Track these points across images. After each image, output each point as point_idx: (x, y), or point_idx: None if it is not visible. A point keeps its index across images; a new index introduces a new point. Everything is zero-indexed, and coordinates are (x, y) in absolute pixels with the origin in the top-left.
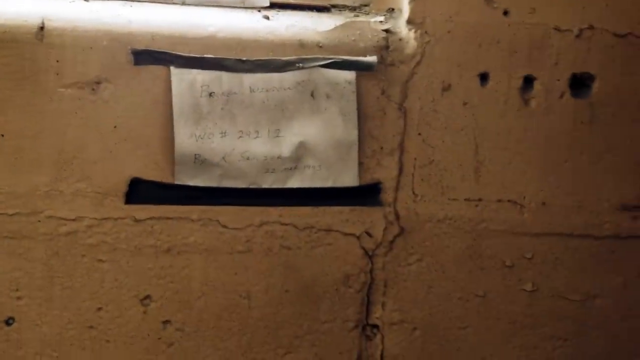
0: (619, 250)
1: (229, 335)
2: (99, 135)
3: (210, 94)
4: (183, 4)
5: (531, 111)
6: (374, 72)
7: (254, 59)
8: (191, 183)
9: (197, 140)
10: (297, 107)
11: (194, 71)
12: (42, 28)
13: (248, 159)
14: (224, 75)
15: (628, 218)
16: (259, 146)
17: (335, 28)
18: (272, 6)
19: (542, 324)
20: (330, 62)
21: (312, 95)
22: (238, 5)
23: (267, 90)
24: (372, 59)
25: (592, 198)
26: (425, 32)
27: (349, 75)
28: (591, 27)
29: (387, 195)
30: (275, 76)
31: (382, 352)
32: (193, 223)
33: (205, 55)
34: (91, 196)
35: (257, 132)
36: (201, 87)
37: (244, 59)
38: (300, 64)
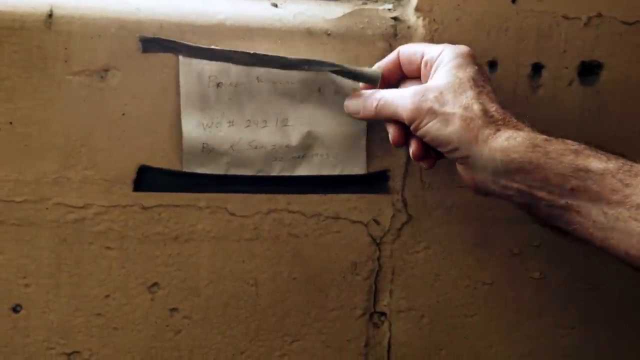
0: None
1: (237, 323)
2: (107, 122)
3: (218, 84)
4: None
5: (539, 99)
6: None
7: (261, 53)
8: (199, 171)
9: (204, 129)
10: (304, 98)
11: (202, 62)
12: (50, 15)
13: (256, 147)
14: (232, 66)
15: None
16: (267, 135)
17: (344, 16)
18: None
19: (549, 312)
20: (336, 70)
21: (319, 91)
22: None
23: (274, 82)
24: (377, 73)
25: None
26: (434, 19)
27: (354, 84)
28: (599, 15)
29: (395, 183)
30: (281, 70)
31: (390, 339)
32: (201, 211)
33: (212, 47)
34: (99, 183)
35: (265, 121)
36: (209, 77)
37: (251, 52)
38: (306, 66)
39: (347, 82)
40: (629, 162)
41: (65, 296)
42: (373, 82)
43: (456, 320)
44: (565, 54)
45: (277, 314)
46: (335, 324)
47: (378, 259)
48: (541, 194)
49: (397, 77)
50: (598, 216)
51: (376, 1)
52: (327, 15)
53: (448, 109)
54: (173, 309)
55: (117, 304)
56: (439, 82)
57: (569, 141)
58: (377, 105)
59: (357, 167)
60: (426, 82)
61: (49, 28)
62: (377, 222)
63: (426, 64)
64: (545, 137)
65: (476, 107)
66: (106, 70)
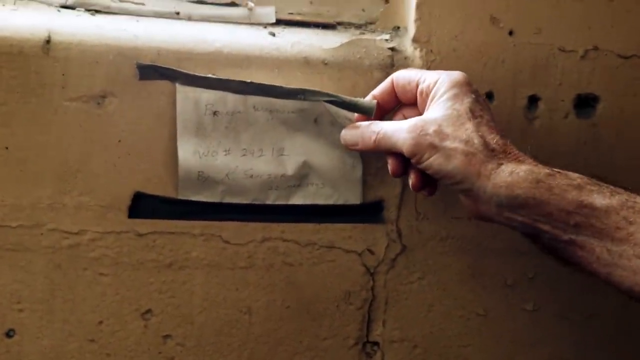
0: None
1: (229, 351)
2: (103, 148)
3: (215, 113)
4: (189, 19)
5: (535, 131)
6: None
7: (257, 82)
8: (194, 198)
9: (200, 157)
10: (301, 127)
11: (199, 90)
12: (48, 41)
13: (252, 176)
14: (229, 95)
15: None
16: (263, 164)
17: (341, 45)
18: (278, 23)
19: (544, 343)
20: (331, 100)
21: (315, 121)
22: (244, 22)
23: (270, 111)
24: (372, 103)
25: None
26: (431, 50)
27: (349, 114)
28: (596, 48)
29: (389, 213)
30: (278, 100)
31: None
32: (195, 238)
33: (209, 75)
34: (94, 209)
35: (261, 150)
36: (206, 105)
37: (248, 81)
38: (302, 96)
39: (342, 113)
40: (633, 196)
41: (59, 322)
42: (368, 113)
43: (449, 350)
44: (562, 87)
45: (270, 342)
46: (328, 353)
47: (372, 288)
48: (545, 227)
49: (393, 105)
50: (602, 253)
51: (373, 32)
52: (325, 44)
53: (449, 144)
54: (166, 336)
55: (110, 330)
56: (437, 115)
57: (572, 174)
58: (376, 138)
59: (352, 197)
60: (423, 110)
61: (47, 54)
62: (371, 252)
63: (422, 93)
64: (548, 171)
65: (477, 140)
66: (103, 97)
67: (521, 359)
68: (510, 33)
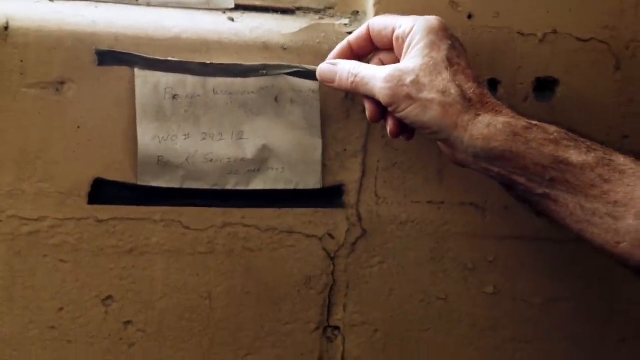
0: (580, 253)
1: (190, 336)
2: (63, 135)
3: (174, 96)
4: (148, 5)
5: None
6: None
7: (218, 63)
8: (154, 184)
9: (160, 142)
10: (260, 110)
11: (158, 74)
12: (6, 28)
13: (211, 160)
14: (188, 78)
15: None
16: (223, 148)
17: (300, 30)
18: (237, 8)
19: (504, 326)
20: (294, 72)
21: (275, 99)
22: (203, 7)
23: (230, 93)
24: None
25: None
26: None
27: (313, 84)
28: (555, 32)
29: (350, 198)
30: (238, 80)
31: (343, 353)
32: (155, 224)
33: (169, 58)
34: (54, 196)
35: (221, 134)
36: (165, 89)
37: (208, 62)
38: (264, 71)
39: (306, 85)
40: (609, 153)
41: (19, 309)
42: None
43: (410, 334)
44: (521, 70)
45: (231, 327)
46: (289, 337)
47: (332, 273)
48: (521, 180)
49: (369, 50)
50: (575, 209)
51: (332, 16)
52: (284, 29)
53: (425, 94)
54: (127, 322)
55: (71, 317)
56: (414, 65)
57: (549, 128)
58: (354, 81)
59: (312, 182)
60: (399, 55)
61: (5, 40)
62: (331, 237)
63: (398, 39)
64: (525, 123)
65: (453, 90)
66: (62, 83)
67: (481, 342)
68: (469, 17)
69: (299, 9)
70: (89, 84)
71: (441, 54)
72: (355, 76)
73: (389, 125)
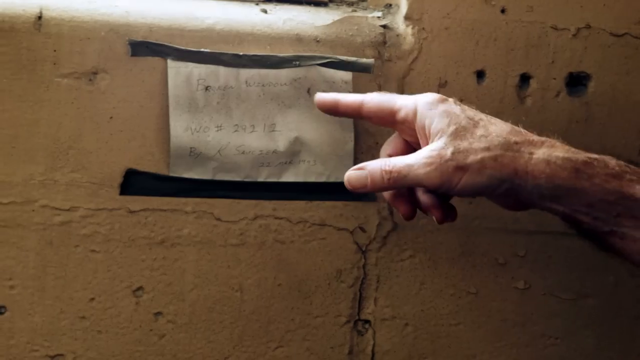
0: None
1: (221, 328)
2: (95, 125)
3: (207, 88)
4: None
5: (527, 109)
6: (370, 71)
7: (251, 54)
8: (186, 175)
9: (192, 134)
10: (293, 102)
11: (191, 64)
12: (40, 17)
13: (243, 152)
14: (221, 70)
15: None
16: (255, 140)
17: (333, 23)
18: None
19: (534, 322)
20: (327, 62)
21: (308, 91)
22: None
23: (263, 85)
24: (369, 61)
25: None
26: (423, 28)
27: (346, 75)
28: (588, 26)
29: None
30: (271, 72)
31: (374, 347)
32: (187, 215)
33: (202, 49)
34: (86, 186)
35: (253, 126)
36: (197, 80)
37: (241, 53)
38: (297, 62)
39: (339, 75)
40: None
41: (50, 298)
42: (366, 70)
43: (440, 329)
44: (554, 65)
45: (262, 319)
46: (319, 330)
47: (363, 266)
48: (586, 218)
49: (355, 116)
50: None
51: (365, 9)
52: (317, 22)
53: (473, 158)
54: (157, 313)
55: (102, 307)
56: (445, 138)
57: (609, 161)
58: (390, 177)
59: (344, 174)
60: (407, 139)
61: (39, 30)
62: (362, 230)
63: (404, 122)
64: (584, 157)
65: (496, 142)
66: (95, 73)
67: (511, 337)
68: (503, 11)
69: (331, 1)
70: (121, 74)
71: (460, 116)
72: (391, 172)
73: (435, 214)
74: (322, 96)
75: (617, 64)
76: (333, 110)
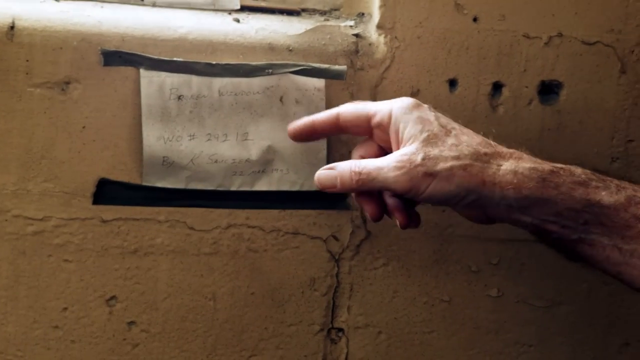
0: None
1: (194, 337)
2: (68, 135)
3: (179, 97)
4: (154, 5)
5: (499, 117)
6: (342, 79)
7: (224, 62)
8: (159, 185)
9: (165, 143)
10: (266, 111)
11: (163, 74)
12: (12, 27)
13: (216, 161)
14: (194, 79)
15: None
16: (227, 149)
17: (306, 32)
18: (243, 9)
19: (507, 329)
20: (300, 69)
21: (281, 100)
22: (209, 8)
23: (235, 94)
24: (341, 68)
25: None
26: (395, 37)
27: (318, 82)
28: (560, 35)
29: (354, 200)
30: (244, 81)
31: (347, 355)
32: (160, 224)
33: (174, 59)
34: (59, 196)
35: (226, 135)
36: (170, 89)
37: (214, 62)
38: (270, 70)
39: (310, 84)
40: (637, 189)
41: (23, 308)
42: (339, 77)
43: (413, 337)
44: (526, 73)
45: (235, 328)
46: (293, 339)
47: (336, 275)
48: (554, 227)
49: (332, 133)
50: (612, 251)
51: (338, 18)
52: (289, 31)
53: (442, 165)
54: (131, 323)
55: (75, 316)
56: (416, 144)
57: (575, 170)
58: (360, 179)
59: None
60: (381, 144)
61: (11, 40)
62: (335, 238)
63: (379, 126)
64: (550, 167)
65: (466, 151)
66: (67, 83)
67: (484, 344)
68: (475, 20)
69: (304, 10)
70: (94, 84)
71: (434, 123)
72: (360, 174)
73: (399, 218)
74: (295, 124)
75: (588, 72)
76: (310, 132)
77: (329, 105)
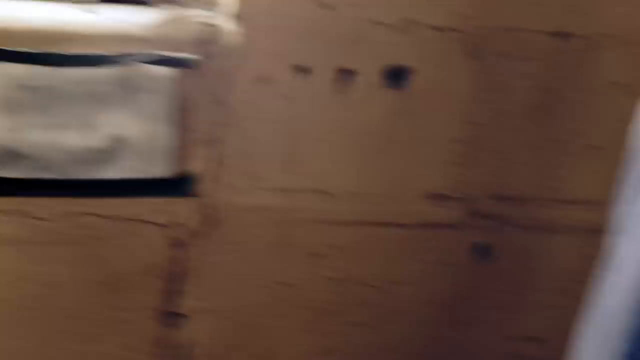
0: (422, 238)
1: (30, 325)
2: None
3: (25, 87)
4: None
5: (350, 103)
6: (193, 68)
7: (73, 53)
8: (1, 174)
9: (8, 132)
10: (112, 100)
11: (9, 65)
12: None
13: (61, 151)
14: (41, 69)
15: (432, 207)
16: (73, 138)
17: (158, 22)
18: (103, 0)
19: (346, 311)
20: (151, 59)
21: (129, 89)
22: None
23: (83, 84)
24: (192, 57)
25: (401, 188)
26: (248, 25)
27: (168, 71)
28: (410, 21)
29: (200, 186)
30: (92, 71)
31: (190, 340)
32: (2, 214)
33: (20, 49)
34: None
35: (72, 124)
36: (15, 80)
37: (62, 53)
38: (119, 60)
39: (160, 73)
40: None
41: None
42: (190, 66)
43: (257, 320)
44: (377, 59)
45: (74, 315)
46: (135, 325)
47: (179, 261)
48: None
49: None
50: None
51: (193, 7)
52: (142, 21)
53: None
54: None
55: None
56: None
57: None
58: None
59: (162, 171)
60: None
61: None
62: (179, 225)
63: None
64: None
65: None
66: None
67: (326, 326)
68: (327, 6)
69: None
70: None
71: None
72: None
73: None
74: None
75: (439, 58)
76: None
77: (178, 93)
